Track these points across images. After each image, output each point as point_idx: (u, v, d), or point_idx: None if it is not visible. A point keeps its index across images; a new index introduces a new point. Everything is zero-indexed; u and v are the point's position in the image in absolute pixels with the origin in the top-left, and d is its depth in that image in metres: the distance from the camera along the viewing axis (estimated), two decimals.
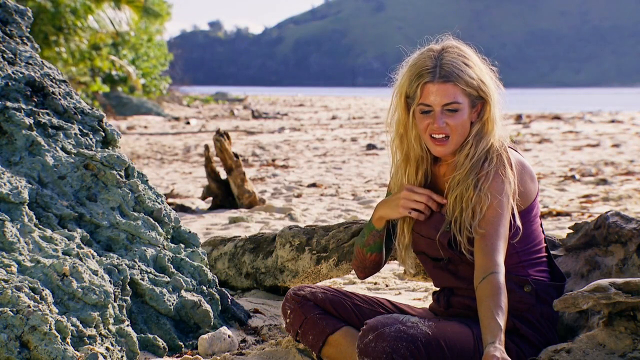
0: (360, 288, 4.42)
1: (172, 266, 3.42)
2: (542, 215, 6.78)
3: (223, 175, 8.17)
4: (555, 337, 2.75)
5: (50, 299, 2.82)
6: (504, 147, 2.70)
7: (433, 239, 2.75)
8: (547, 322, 2.71)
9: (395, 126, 2.79)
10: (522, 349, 2.67)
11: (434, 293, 2.90)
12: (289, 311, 2.95)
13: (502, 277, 2.51)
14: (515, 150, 2.76)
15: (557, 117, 25.35)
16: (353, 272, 4.31)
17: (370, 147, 15.64)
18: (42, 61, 3.78)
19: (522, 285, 2.68)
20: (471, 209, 2.63)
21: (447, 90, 2.64)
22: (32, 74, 3.62)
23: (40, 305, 2.73)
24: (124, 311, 3.09)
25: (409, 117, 2.73)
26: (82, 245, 3.19)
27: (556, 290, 2.74)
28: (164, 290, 3.29)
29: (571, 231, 3.21)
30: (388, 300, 2.99)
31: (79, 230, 3.27)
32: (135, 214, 3.46)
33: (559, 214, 6.96)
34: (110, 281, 3.07)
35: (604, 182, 9.47)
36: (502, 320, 2.42)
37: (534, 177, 2.76)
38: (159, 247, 3.46)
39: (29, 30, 3.92)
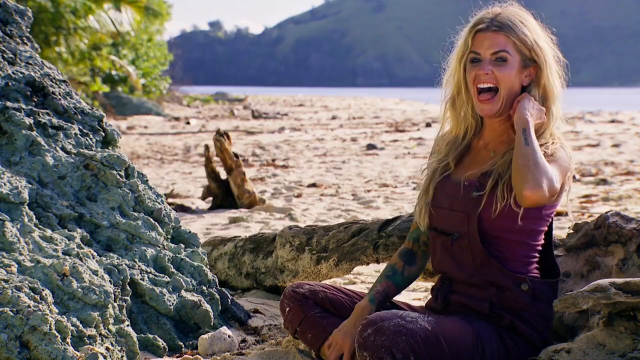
0: (360, 288, 4.42)
1: (172, 266, 3.42)
2: None
3: (223, 175, 8.17)
4: (551, 335, 2.75)
5: (50, 299, 2.82)
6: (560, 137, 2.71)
7: (453, 210, 2.72)
8: (542, 320, 2.71)
9: (451, 87, 2.79)
10: (519, 346, 2.67)
11: (432, 289, 2.88)
12: (287, 309, 2.94)
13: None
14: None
15: None
16: (353, 272, 4.31)
17: (370, 147, 15.64)
18: (42, 61, 3.78)
19: (519, 284, 2.67)
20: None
21: (498, 39, 2.65)
22: (32, 74, 3.62)
23: (40, 305, 2.73)
24: (124, 311, 3.09)
25: (463, 78, 2.74)
26: (82, 245, 3.19)
27: (550, 287, 2.72)
28: (164, 290, 3.29)
29: (571, 231, 3.20)
30: None
31: (79, 230, 3.27)
32: (135, 214, 3.46)
33: (559, 214, 6.94)
34: (110, 281, 3.07)
35: (604, 182, 9.46)
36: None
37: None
38: (159, 247, 3.46)
39: (29, 30, 3.92)
